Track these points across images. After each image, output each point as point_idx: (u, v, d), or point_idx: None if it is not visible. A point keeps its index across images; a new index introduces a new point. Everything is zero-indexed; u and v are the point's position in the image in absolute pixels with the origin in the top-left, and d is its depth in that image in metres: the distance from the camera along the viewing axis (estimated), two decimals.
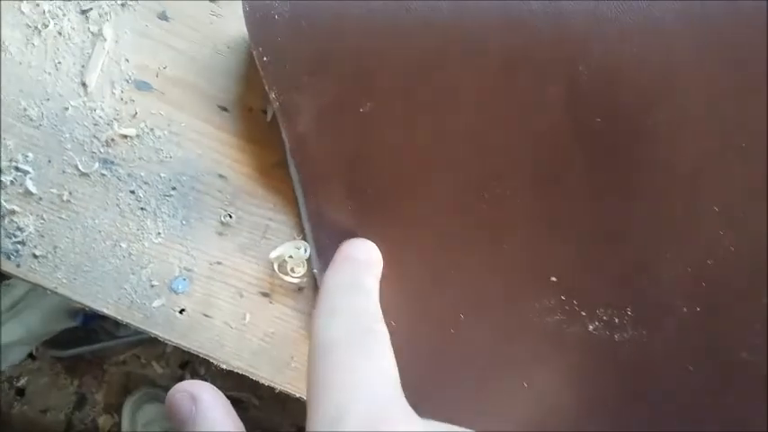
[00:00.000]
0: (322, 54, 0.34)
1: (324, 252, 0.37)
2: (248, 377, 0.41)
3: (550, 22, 0.32)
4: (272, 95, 0.35)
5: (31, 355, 1.26)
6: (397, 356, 0.36)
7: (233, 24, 0.39)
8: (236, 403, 1.23)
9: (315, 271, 0.38)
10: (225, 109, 0.39)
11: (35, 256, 0.39)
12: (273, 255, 0.38)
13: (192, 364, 1.29)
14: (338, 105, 0.34)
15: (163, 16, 0.39)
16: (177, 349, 1.43)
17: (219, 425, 0.32)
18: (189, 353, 0.40)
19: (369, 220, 0.36)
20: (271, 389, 0.41)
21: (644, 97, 0.32)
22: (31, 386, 1.28)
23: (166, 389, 1.27)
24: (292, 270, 0.38)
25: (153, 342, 1.29)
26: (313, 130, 0.35)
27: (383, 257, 0.36)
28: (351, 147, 0.35)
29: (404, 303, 0.36)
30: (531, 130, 0.34)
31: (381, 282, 0.36)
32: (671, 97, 0.32)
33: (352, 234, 0.37)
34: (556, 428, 0.37)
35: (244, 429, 0.32)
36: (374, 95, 0.34)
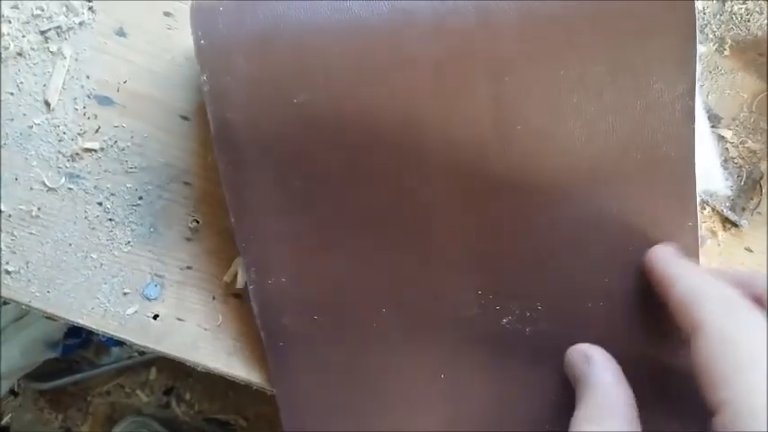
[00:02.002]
0: (261, 41, 0.34)
1: (249, 247, 0.37)
2: (233, 399, 0.41)
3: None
4: (204, 78, 0.34)
5: (12, 392, 1.25)
6: (319, 347, 0.38)
7: (189, 36, 0.40)
8: (223, 426, 1.23)
9: (243, 261, 0.37)
10: (186, 118, 0.40)
11: (8, 272, 0.40)
12: (227, 278, 0.40)
13: (176, 390, 1.29)
14: (271, 94, 0.34)
15: (120, 32, 0.40)
16: (161, 375, 1.42)
17: (609, 386, 0.33)
18: (172, 378, 0.41)
19: (295, 214, 0.36)
20: (256, 409, 0.42)
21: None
22: (15, 424, 1.27)
23: (152, 417, 1.27)
24: None
25: (136, 369, 1.29)
26: (241, 116, 0.35)
27: (307, 253, 0.37)
28: (280, 136, 0.35)
29: (329, 298, 0.37)
30: (457, 130, 0.35)
31: (308, 276, 0.37)
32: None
33: (279, 229, 0.36)
34: (470, 418, 0.38)
35: (632, 396, 0.32)
36: (309, 87, 0.34)
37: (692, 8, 0.34)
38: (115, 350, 1.26)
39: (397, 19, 0.34)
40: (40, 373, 1.16)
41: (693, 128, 0.35)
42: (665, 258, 0.35)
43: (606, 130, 0.35)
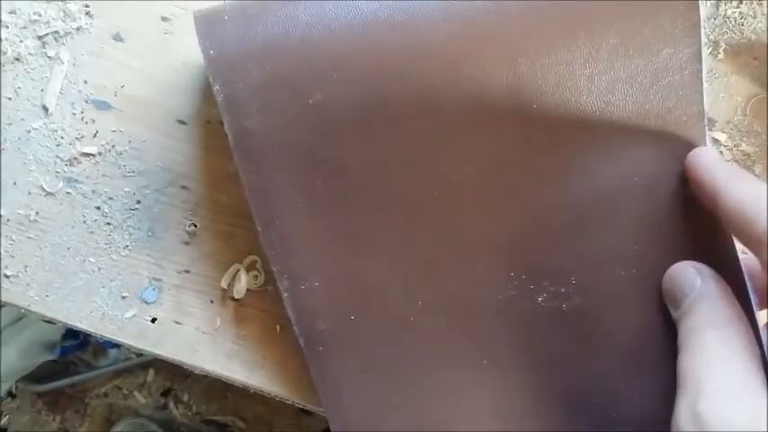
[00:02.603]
0: (271, 46, 0.34)
1: (278, 255, 0.37)
2: (230, 401, 0.42)
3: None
4: (216, 88, 0.34)
5: (10, 394, 1.25)
6: (359, 348, 0.38)
7: (186, 41, 0.40)
8: (221, 427, 1.23)
9: (274, 269, 0.37)
10: (183, 122, 0.40)
11: (6, 276, 0.40)
12: (224, 284, 0.40)
13: (174, 392, 1.29)
14: (286, 97, 0.34)
15: (117, 37, 0.40)
16: (158, 377, 1.42)
17: (726, 297, 0.33)
18: (170, 379, 0.41)
19: (321, 215, 0.36)
20: (253, 410, 0.42)
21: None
22: (13, 425, 1.27)
23: (150, 418, 1.27)
24: (255, 279, 0.40)
25: (133, 371, 1.29)
26: (259, 122, 0.35)
27: (337, 254, 0.37)
28: (299, 138, 0.35)
29: (363, 296, 0.37)
30: (478, 117, 0.35)
31: (341, 276, 0.37)
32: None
33: (306, 233, 0.36)
34: (516, 399, 0.38)
35: (744, 315, 0.32)
36: (323, 86, 0.34)
37: None
38: (113, 352, 1.26)
39: (407, 11, 0.34)
40: (37, 375, 1.16)
41: (702, 90, 0.36)
42: (707, 162, 0.35)
43: (619, 100, 0.36)
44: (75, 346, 1.19)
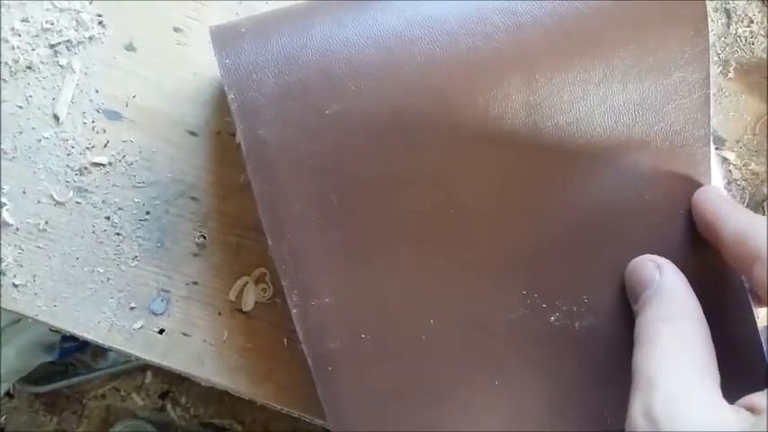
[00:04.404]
0: (288, 56, 0.34)
1: (288, 269, 0.36)
2: (228, 404, 0.42)
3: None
4: (231, 96, 0.34)
5: (8, 394, 1.25)
6: (370, 367, 0.37)
7: (198, 52, 0.40)
8: (219, 430, 1.23)
9: (284, 284, 0.37)
10: (194, 133, 0.40)
11: (15, 286, 0.40)
12: (232, 296, 0.40)
13: (172, 394, 1.28)
14: (302, 107, 0.34)
15: (130, 47, 0.40)
16: (156, 379, 1.42)
17: (681, 292, 0.33)
18: (168, 382, 0.41)
19: (333, 230, 0.36)
20: (251, 413, 0.42)
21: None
22: (10, 426, 1.26)
23: (147, 420, 1.26)
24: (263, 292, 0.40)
25: (131, 373, 1.29)
26: (273, 132, 0.34)
27: (349, 270, 0.36)
28: (314, 150, 0.35)
29: (374, 314, 0.37)
30: (495, 133, 0.35)
31: (351, 293, 0.36)
32: None
33: (318, 248, 0.36)
34: (530, 420, 0.38)
35: (700, 307, 0.33)
36: (340, 97, 0.34)
37: (703, 4, 0.35)
38: (111, 354, 1.26)
39: (426, 25, 0.34)
40: (36, 376, 1.16)
41: (709, 114, 0.36)
42: (713, 198, 0.36)
43: (630, 120, 0.36)
44: (75, 348, 1.19)
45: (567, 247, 0.37)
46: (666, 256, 0.36)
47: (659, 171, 0.37)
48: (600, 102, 0.35)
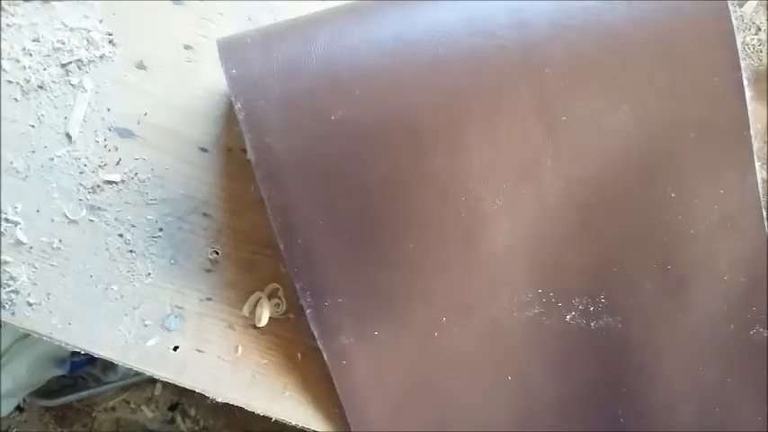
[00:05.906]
0: (293, 65, 0.34)
1: (300, 272, 0.37)
2: (238, 416, 0.42)
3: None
4: (238, 106, 0.34)
5: (18, 407, 1.25)
6: (383, 364, 0.38)
7: (209, 69, 0.40)
8: None
9: (297, 286, 0.37)
10: (205, 150, 0.40)
11: (29, 304, 0.40)
12: (245, 312, 0.40)
13: (181, 406, 1.28)
14: (308, 114, 0.34)
15: (141, 65, 0.40)
16: (166, 391, 1.42)
17: None
18: (178, 394, 0.41)
19: (343, 231, 0.36)
20: (261, 425, 0.42)
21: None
22: None
23: None
24: (276, 307, 0.40)
25: (141, 386, 1.29)
26: (280, 140, 0.35)
27: (360, 270, 0.37)
28: (321, 155, 0.35)
29: (387, 311, 0.37)
30: (504, 128, 0.35)
31: (364, 292, 0.37)
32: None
33: (329, 250, 0.36)
34: (542, 416, 0.38)
35: None
36: (346, 103, 0.34)
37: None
38: (121, 367, 1.26)
39: (428, 28, 0.34)
40: (46, 390, 1.16)
41: (745, 99, 0.36)
42: None
43: (658, 112, 0.36)
44: (85, 362, 1.19)
45: (585, 245, 0.37)
46: (686, 259, 0.36)
47: (690, 165, 0.36)
48: (620, 92, 0.35)
